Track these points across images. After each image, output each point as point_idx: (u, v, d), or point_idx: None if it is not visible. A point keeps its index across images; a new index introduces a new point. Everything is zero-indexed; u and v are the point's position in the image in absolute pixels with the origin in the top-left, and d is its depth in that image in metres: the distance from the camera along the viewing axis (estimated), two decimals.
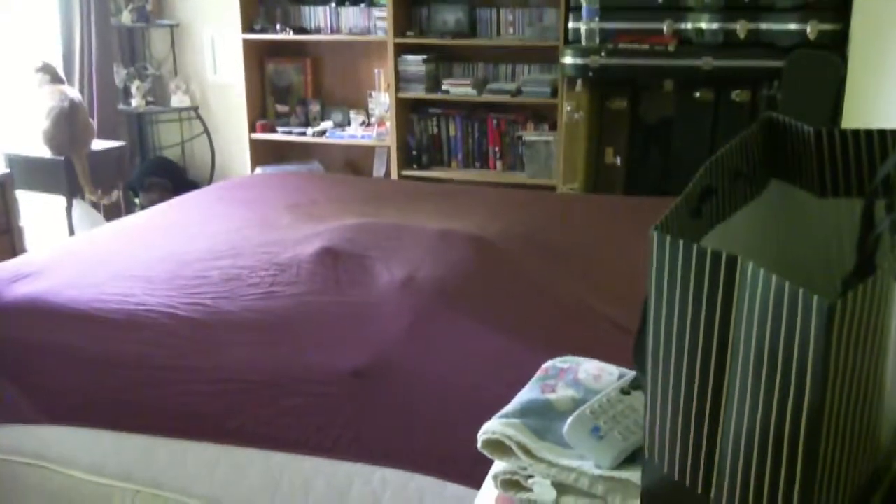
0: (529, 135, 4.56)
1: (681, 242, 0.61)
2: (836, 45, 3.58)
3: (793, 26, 3.66)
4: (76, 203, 4.21)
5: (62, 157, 4.01)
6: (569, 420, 0.89)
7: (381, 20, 4.71)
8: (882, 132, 0.75)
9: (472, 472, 1.79)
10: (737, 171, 0.75)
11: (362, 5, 4.80)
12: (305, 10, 4.96)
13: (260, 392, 1.98)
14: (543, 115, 4.59)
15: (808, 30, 3.59)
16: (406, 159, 4.80)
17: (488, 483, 0.94)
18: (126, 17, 5.01)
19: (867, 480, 0.68)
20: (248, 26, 4.91)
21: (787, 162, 0.81)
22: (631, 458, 0.87)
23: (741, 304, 0.59)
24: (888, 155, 0.75)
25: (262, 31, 4.92)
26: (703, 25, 3.80)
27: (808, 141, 0.79)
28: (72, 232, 4.08)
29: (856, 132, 0.76)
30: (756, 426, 0.60)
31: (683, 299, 0.62)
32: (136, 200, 4.82)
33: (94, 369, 2.10)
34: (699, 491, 0.66)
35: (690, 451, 0.66)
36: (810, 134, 0.78)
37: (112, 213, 4.30)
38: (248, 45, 4.93)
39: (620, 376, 1.01)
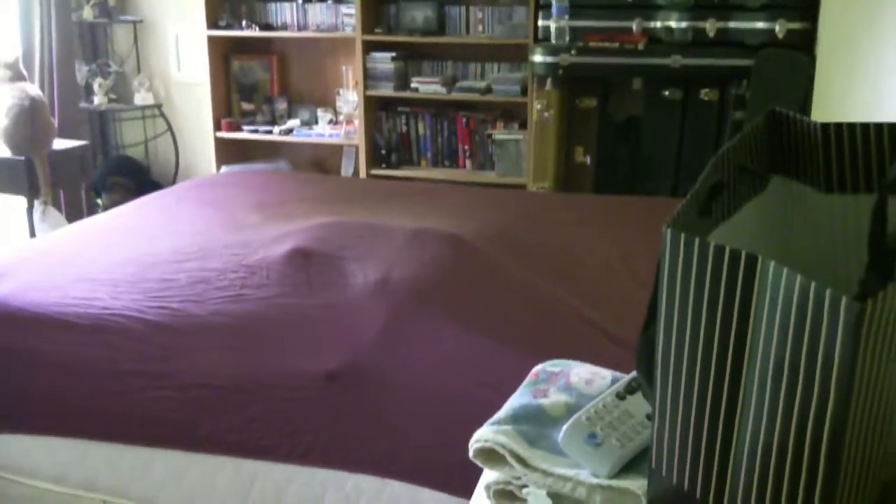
0: (499, 133, 4.53)
1: (696, 240, 0.57)
2: (805, 43, 3.61)
3: (761, 25, 3.67)
4: (37, 204, 4.11)
5: (22, 157, 3.91)
6: (564, 427, 0.85)
7: (348, 17, 4.65)
8: (892, 125, 0.72)
9: (448, 478, 1.76)
10: (742, 166, 0.72)
11: (329, 2, 4.74)
12: (271, 6, 4.89)
13: (229, 398, 1.93)
14: (513, 114, 4.57)
15: (777, 28, 3.61)
16: (375, 158, 4.75)
17: (479, 493, 0.90)
18: (88, 13, 4.90)
19: (880, 492, 0.65)
20: (212, 22, 4.83)
21: (790, 157, 0.78)
22: (627, 466, 0.84)
23: (760, 306, 0.56)
24: None
25: (228, 27, 4.84)
26: (673, 24, 3.80)
27: (814, 135, 0.76)
28: (33, 234, 3.98)
29: (865, 125, 0.73)
30: (774, 435, 0.57)
31: (697, 301, 0.59)
32: (99, 201, 4.72)
33: (57, 375, 2.03)
34: (711, 503, 0.63)
35: (702, 462, 0.62)
36: (816, 128, 0.75)
37: (74, 214, 4.20)
38: (212, 41, 4.85)
39: (613, 380, 0.98)
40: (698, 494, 0.64)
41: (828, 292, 0.51)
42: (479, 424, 0.91)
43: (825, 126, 0.74)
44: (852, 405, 0.52)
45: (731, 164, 0.70)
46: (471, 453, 0.89)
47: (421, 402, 1.84)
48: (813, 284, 0.52)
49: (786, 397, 0.55)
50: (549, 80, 3.97)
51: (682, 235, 0.58)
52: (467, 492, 1.01)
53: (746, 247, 0.58)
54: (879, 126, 0.72)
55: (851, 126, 0.74)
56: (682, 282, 0.60)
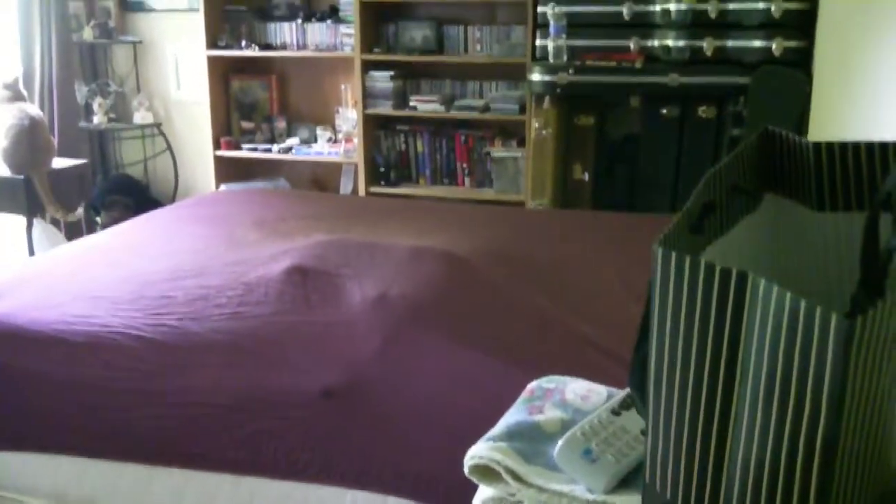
0: (497, 151, 4.55)
1: (687, 259, 0.58)
2: (801, 61, 3.62)
3: (758, 43, 3.69)
4: (36, 223, 4.12)
5: (22, 176, 3.92)
6: (559, 443, 0.86)
7: (347, 37, 4.67)
8: (883, 145, 0.72)
9: (447, 494, 1.75)
10: (735, 185, 0.72)
11: (329, 21, 4.76)
12: (271, 26, 4.91)
13: (227, 415, 1.93)
14: (511, 132, 4.58)
15: (774, 47, 3.62)
16: (373, 176, 4.76)
17: None
18: (88, 34, 4.93)
19: None
20: (212, 42, 4.85)
21: (783, 175, 0.79)
22: (623, 482, 0.84)
23: (751, 323, 0.56)
24: (889, 167, 0.72)
25: (227, 47, 4.86)
26: (670, 42, 3.82)
27: (806, 154, 0.76)
28: (32, 252, 3.99)
29: (856, 145, 0.73)
30: (766, 450, 0.57)
31: (689, 318, 0.59)
32: (98, 219, 4.73)
33: (56, 393, 2.03)
34: None
35: (695, 478, 0.63)
36: (808, 147, 0.76)
37: (73, 232, 4.20)
38: (212, 61, 4.87)
39: (609, 396, 0.98)
40: None
41: (818, 310, 0.52)
42: (475, 441, 0.92)
43: (817, 145, 0.75)
44: (843, 421, 0.52)
45: (724, 182, 0.71)
46: (466, 470, 0.89)
47: (418, 419, 1.84)
48: (803, 302, 0.52)
49: (777, 413, 0.55)
50: (546, 99, 3.99)
51: (674, 254, 0.59)
52: None
53: (738, 264, 0.58)
54: (870, 145, 0.73)
55: (843, 145, 0.74)
56: (673, 299, 0.60)
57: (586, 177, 4.18)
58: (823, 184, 0.75)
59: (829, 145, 0.75)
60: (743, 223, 0.78)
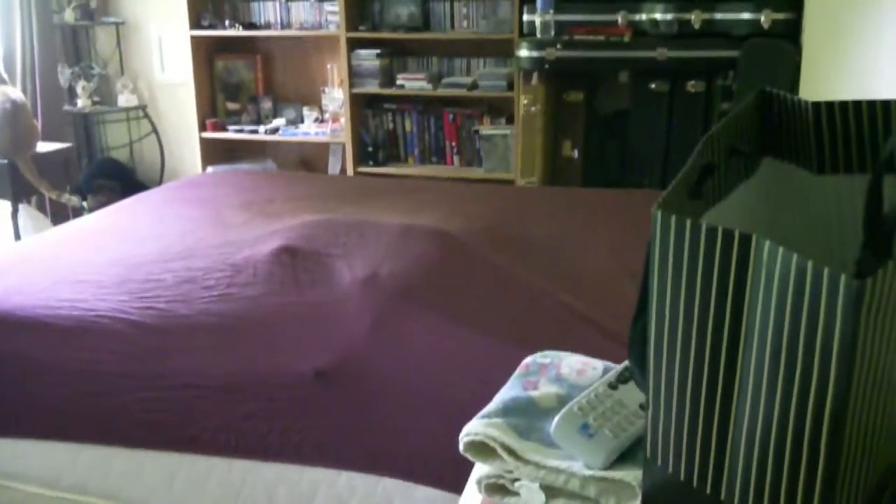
0: (486, 129, 4.51)
1: (688, 221, 0.56)
2: (790, 33, 3.60)
3: (747, 16, 3.66)
4: (22, 208, 4.07)
5: (6, 161, 3.87)
6: (556, 418, 0.84)
7: (332, 14, 4.62)
8: (885, 103, 0.70)
9: (442, 474, 1.74)
10: (733, 148, 0.70)
11: (313, 0, 4.71)
12: (254, 5, 4.86)
13: (218, 398, 1.91)
14: (500, 109, 4.55)
15: (763, 19, 3.60)
16: (361, 156, 4.72)
17: (471, 488, 0.88)
18: (69, 16, 4.86)
19: (883, 475, 0.64)
20: (195, 22, 4.79)
21: (781, 138, 0.76)
22: (621, 457, 0.82)
23: (756, 287, 0.54)
24: (891, 127, 0.70)
25: (210, 27, 4.80)
26: (658, 16, 3.79)
27: (805, 115, 0.74)
28: (18, 238, 3.95)
29: (857, 104, 0.71)
30: (773, 419, 0.55)
31: (690, 284, 0.57)
32: (84, 204, 4.68)
33: (45, 378, 2.01)
34: (708, 491, 0.61)
35: (698, 450, 0.61)
36: (807, 107, 0.74)
37: (59, 217, 4.16)
38: (195, 41, 4.82)
39: (605, 370, 0.96)
40: (695, 483, 0.62)
41: (826, 271, 0.50)
42: (470, 419, 0.90)
43: (816, 105, 0.73)
44: (853, 384, 0.50)
45: (721, 145, 0.68)
46: (461, 447, 0.87)
47: (411, 398, 1.83)
48: (810, 263, 0.50)
49: (784, 379, 0.53)
50: (535, 75, 3.96)
51: (674, 217, 0.56)
52: (459, 488, 1.00)
53: (738, 229, 0.56)
54: (872, 104, 0.71)
55: (843, 105, 0.72)
56: (673, 265, 0.58)
57: (576, 154, 4.15)
58: (824, 145, 0.73)
59: (829, 105, 0.73)
60: (740, 189, 0.76)
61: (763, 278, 0.53)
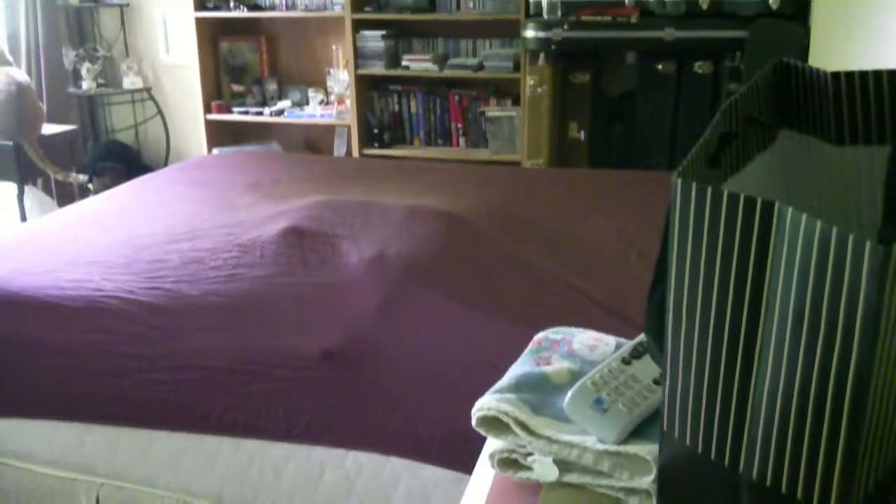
0: (492, 110, 4.49)
1: (709, 189, 0.55)
2: (799, 14, 3.57)
3: None
4: (28, 190, 4.07)
5: (11, 143, 3.86)
6: (569, 393, 0.83)
7: None
8: None
9: (448, 452, 1.74)
10: (750, 118, 0.69)
11: None
12: None
13: (226, 378, 1.90)
14: (506, 91, 4.53)
15: None
16: (367, 138, 4.70)
17: (483, 463, 0.87)
18: None
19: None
20: (200, 4, 4.77)
21: (799, 109, 0.75)
22: (635, 432, 0.81)
23: (778, 255, 0.53)
24: None
25: (215, 8, 4.78)
26: None
27: (824, 85, 0.73)
28: (24, 219, 3.95)
29: (877, 73, 0.70)
30: (794, 390, 0.54)
31: (711, 252, 0.56)
32: (90, 186, 4.68)
33: (52, 359, 2.00)
34: (726, 464, 0.61)
35: (717, 421, 0.60)
36: (826, 77, 0.72)
37: (65, 198, 4.16)
38: (200, 23, 4.79)
39: (617, 346, 0.95)
40: (713, 455, 0.61)
41: (851, 237, 0.49)
42: (477, 399, 0.89)
43: (836, 75, 0.72)
44: (877, 353, 0.49)
45: (740, 114, 0.67)
46: (474, 422, 0.86)
47: (419, 379, 1.82)
48: (835, 230, 0.49)
49: (806, 348, 0.52)
50: (541, 56, 3.93)
51: (694, 184, 0.56)
52: (468, 467, 0.99)
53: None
54: (893, 73, 0.70)
55: (864, 74, 0.71)
56: (693, 233, 0.57)
57: (582, 136, 4.13)
58: (843, 116, 0.72)
59: (849, 75, 0.71)
60: (757, 160, 0.74)
61: (786, 246, 0.52)
